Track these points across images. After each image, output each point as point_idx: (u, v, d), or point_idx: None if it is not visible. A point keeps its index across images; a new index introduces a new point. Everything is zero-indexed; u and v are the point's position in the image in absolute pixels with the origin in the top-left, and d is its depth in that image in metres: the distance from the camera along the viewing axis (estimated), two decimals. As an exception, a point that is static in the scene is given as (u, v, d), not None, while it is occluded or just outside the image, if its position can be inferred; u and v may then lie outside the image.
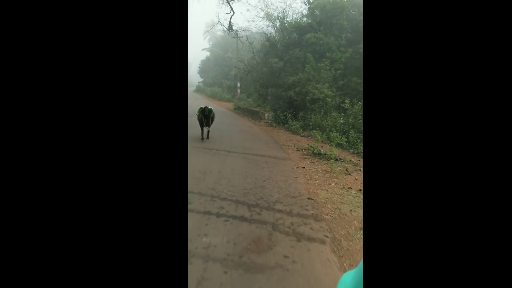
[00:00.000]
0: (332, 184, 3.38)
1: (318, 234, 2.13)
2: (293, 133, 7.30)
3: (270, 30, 11.90)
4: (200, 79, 30.18)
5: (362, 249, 1.95)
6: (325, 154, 4.78)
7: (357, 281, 0.47)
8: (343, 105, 7.41)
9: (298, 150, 5.21)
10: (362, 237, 2.12)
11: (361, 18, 9.52)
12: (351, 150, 5.59)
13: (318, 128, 6.93)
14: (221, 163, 3.95)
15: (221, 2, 10.55)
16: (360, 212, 2.58)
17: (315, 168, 4.06)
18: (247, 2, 19.52)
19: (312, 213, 2.50)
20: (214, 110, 5.51)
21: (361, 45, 8.66)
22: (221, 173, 3.48)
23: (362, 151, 5.39)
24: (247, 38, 11.55)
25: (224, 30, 14.53)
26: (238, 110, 11.98)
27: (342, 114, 7.22)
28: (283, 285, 1.55)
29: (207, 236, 2.00)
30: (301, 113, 8.29)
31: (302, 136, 6.98)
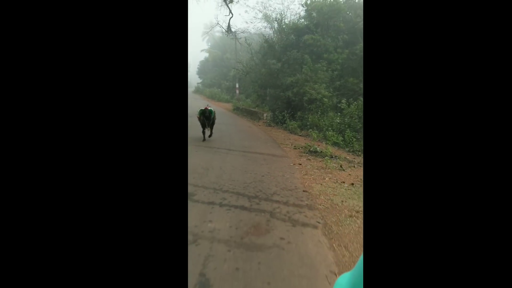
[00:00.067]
0: (326, 179, 3.63)
1: (311, 221, 2.37)
2: (291, 132, 7.53)
3: (268, 31, 12.03)
4: (199, 80, 30.16)
5: (349, 233, 2.19)
6: (321, 152, 5.03)
7: (353, 283, 0.47)
8: (339, 105, 7.64)
9: (296, 148, 5.45)
10: (350, 224, 2.36)
11: (358, 20, 9.72)
12: (346, 149, 5.85)
13: (315, 128, 7.14)
14: (222, 161, 4.18)
15: (220, 4, 10.75)
16: (350, 203, 2.82)
17: (311, 165, 4.30)
18: (245, 3, 19.70)
19: (307, 203, 2.74)
20: (214, 111, 5.59)
21: (358, 47, 8.85)
22: (222, 169, 3.71)
23: (357, 149, 5.64)
24: (245, 39, 11.57)
25: (222, 32, 14.65)
26: (237, 110, 12.08)
27: (339, 114, 7.43)
28: (280, 260, 1.78)
29: (212, 222, 2.24)
30: (298, 113, 8.50)
31: (300, 135, 7.23)
